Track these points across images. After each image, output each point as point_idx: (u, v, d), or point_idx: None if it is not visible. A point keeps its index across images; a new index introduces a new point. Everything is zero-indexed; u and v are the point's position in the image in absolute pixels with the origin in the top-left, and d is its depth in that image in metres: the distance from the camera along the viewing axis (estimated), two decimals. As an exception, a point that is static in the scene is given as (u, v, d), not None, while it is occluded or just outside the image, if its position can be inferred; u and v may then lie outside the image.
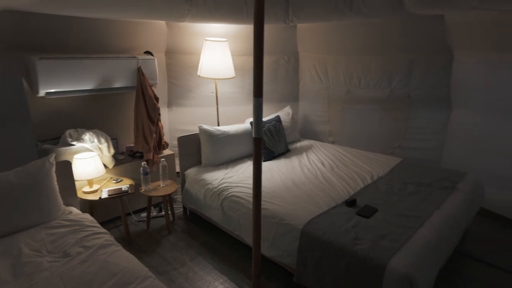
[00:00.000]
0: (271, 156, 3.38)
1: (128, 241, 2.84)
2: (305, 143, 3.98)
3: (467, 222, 2.58)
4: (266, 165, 3.19)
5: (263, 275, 2.36)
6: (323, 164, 3.21)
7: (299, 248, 2.07)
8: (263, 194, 2.51)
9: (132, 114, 3.35)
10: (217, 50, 3.51)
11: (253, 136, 1.47)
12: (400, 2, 2.24)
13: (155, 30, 3.67)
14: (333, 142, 4.30)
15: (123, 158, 3.29)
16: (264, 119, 3.65)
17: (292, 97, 4.54)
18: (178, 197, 3.54)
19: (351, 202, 2.35)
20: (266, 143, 3.38)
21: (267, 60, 4.26)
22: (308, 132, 4.55)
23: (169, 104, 4.05)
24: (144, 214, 3.26)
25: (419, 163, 3.28)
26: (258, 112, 1.46)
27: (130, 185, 2.89)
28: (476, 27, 2.97)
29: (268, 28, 3.99)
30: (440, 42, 3.32)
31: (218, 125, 3.79)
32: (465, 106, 3.46)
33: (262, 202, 2.38)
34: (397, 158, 3.36)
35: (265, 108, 4.27)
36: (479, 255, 2.58)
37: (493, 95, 3.14)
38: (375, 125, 4.01)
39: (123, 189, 2.80)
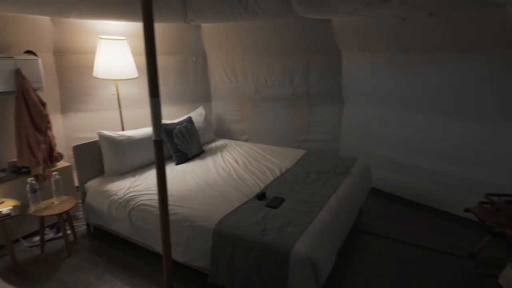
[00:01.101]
0: (185, 159, 3.30)
1: (16, 271, 2.43)
2: (220, 143, 4.00)
3: (361, 202, 2.95)
4: (179, 168, 3.09)
5: (178, 282, 2.29)
6: (237, 162, 3.27)
7: (212, 248, 2.07)
8: (174, 198, 2.43)
9: (12, 124, 2.86)
10: (114, 49, 3.25)
11: (153, 138, 1.40)
12: (290, 6, 2.42)
13: (38, 26, 3.20)
14: (247, 140, 4.42)
15: (4, 176, 2.79)
16: (175, 120, 3.54)
17: (204, 97, 4.51)
18: (80, 213, 3.17)
19: (261, 196, 2.45)
20: (178, 145, 3.28)
21: (174, 60, 4.14)
22: (223, 132, 4.59)
23: (63, 110, 3.60)
24: (37, 238, 2.82)
25: (320, 154, 3.62)
26: (156, 113, 1.39)
27: (13, 206, 2.47)
28: (358, 30, 3.40)
29: (170, 27, 3.87)
30: (330, 44, 3.72)
31: (123, 130, 3.52)
32: (354, 100, 3.96)
33: (173, 207, 2.30)
34: (302, 150, 3.64)
35: (178, 109, 4.15)
36: (372, 229, 2.98)
37: (374, 88, 3.66)
38: (283, 121, 4.27)
39: (3, 212, 2.38)
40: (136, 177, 2.87)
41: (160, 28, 3.56)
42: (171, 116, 3.79)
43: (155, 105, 1.40)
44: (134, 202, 2.48)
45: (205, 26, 4.13)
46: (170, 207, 1.99)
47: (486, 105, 2.86)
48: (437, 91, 3.11)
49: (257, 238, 1.95)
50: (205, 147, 3.78)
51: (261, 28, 3.84)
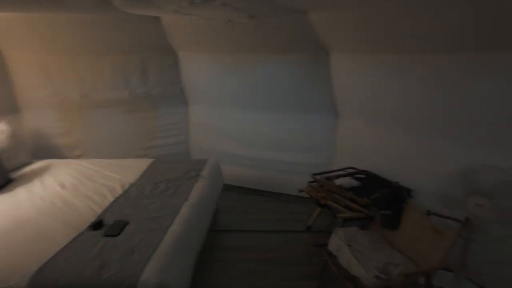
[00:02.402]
0: (-20, 196, 2.41)
1: None
2: (39, 165, 3.15)
3: (215, 202, 2.93)
4: (-31, 211, 2.22)
5: None
6: (63, 187, 2.63)
7: (29, 312, 1.54)
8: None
9: None
10: None
11: None
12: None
13: None
14: (79, 156, 3.70)
15: None
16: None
17: (7, 109, 3.45)
18: None
19: (97, 224, 2.02)
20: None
21: None
22: (46, 150, 3.67)
23: None
24: None
25: (170, 160, 3.41)
26: None
27: None
28: (191, 31, 3.32)
29: None
30: (164, 44, 3.51)
31: None
32: (198, 100, 3.92)
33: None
34: (149, 159, 3.31)
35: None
36: (227, 226, 3.01)
37: (215, 88, 3.71)
38: (123, 129, 3.79)
39: None
40: None
41: None
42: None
43: None
44: None
45: (2, 15, 3.13)
46: None
47: (303, 100, 3.36)
48: (264, 88, 3.43)
49: (93, 281, 1.58)
50: (15, 174, 2.90)
51: (83, 23, 3.21)
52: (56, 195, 2.48)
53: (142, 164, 3.13)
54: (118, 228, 2.00)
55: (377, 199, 2.36)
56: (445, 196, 2.03)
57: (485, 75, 2.01)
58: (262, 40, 3.09)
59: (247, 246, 2.72)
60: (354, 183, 2.70)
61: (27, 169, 3.04)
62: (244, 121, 3.66)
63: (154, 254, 1.75)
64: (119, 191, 2.56)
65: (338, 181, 2.75)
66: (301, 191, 2.88)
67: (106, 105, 3.67)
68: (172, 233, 1.97)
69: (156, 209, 2.26)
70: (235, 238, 2.85)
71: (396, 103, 2.72)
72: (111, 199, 2.43)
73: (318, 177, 2.84)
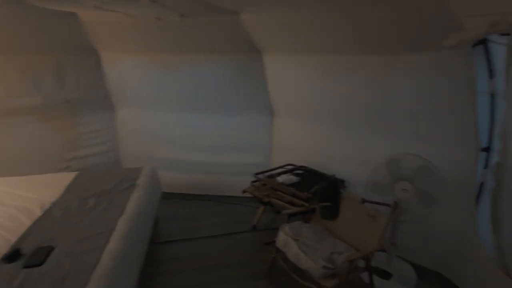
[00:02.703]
0: None
1: None
2: None
3: (154, 212, 2.74)
4: None
5: None
6: (-39, 215, 2.16)
7: None
8: None
9: None
10: None
11: None
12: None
13: None
14: (-20, 176, 3.09)
15: None
16: None
17: None
18: None
19: (11, 256, 1.71)
20: None
21: None
22: None
23: None
24: None
25: (98, 171, 3.08)
26: None
27: None
28: (116, 29, 3.04)
29: None
30: (84, 43, 3.16)
31: None
32: (127, 104, 3.62)
33: None
34: (73, 172, 2.94)
35: None
36: (170, 236, 2.85)
37: (145, 91, 3.47)
38: (37, 140, 3.30)
39: None
40: None
41: None
42: None
43: None
44: None
45: None
46: None
47: (240, 100, 3.37)
48: (200, 90, 3.35)
49: (13, 324, 1.32)
50: None
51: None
52: (-49, 226, 2.03)
53: (64, 179, 2.76)
54: (41, 256, 1.72)
55: (317, 192, 2.49)
56: (374, 184, 2.24)
57: (401, 74, 2.26)
58: (195, 40, 3.00)
59: (192, 255, 2.61)
60: (294, 179, 2.80)
61: None
62: (181, 124, 3.51)
63: (91, 279, 1.55)
64: (38, 213, 2.21)
65: (280, 179, 2.82)
66: (244, 191, 2.87)
67: (13, 114, 3.14)
68: (109, 252, 1.78)
69: (88, 228, 2.01)
70: (179, 248, 2.71)
71: (326, 101, 2.91)
72: (29, 223, 2.08)
73: (260, 176, 2.88)
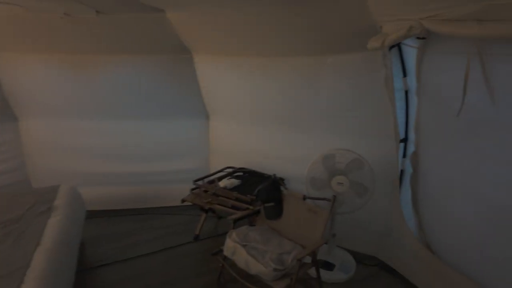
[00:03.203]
0: None
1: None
2: None
3: (79, 236, 2.39)
4: None
5: None
6: None
7: None
8: None
9: None
10: None
11: None
12: None
13: None
14: None
15: None
16: None
17: None
18: None
19: None
20: None
21: None
22: None
23: None
24: None
25: (3, 194, 2.57)
26: None
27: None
28: (14, 25, 2.56)
29: None
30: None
31: None
32: (32, 113, 3.11)
33: None
34: (-35, 200, 2.39)
35: None
36: (100, 260, 2.53)
37: (53, 97, 3.02)
38: None
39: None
40: None
41: None
42: None
43: None
44: None
45: None
46: None
47: (172, 104, 3.17)
48: (126, 94, 3.06)
49: None
50: None
51: None
52: None
53: (-47, 210, 2.22)
54: None
55: (259, 194, 2.49)
56: (313, 180, 2.33)
57: (330, 74, 2.39)
58: (116, 39, 2.71)
59: (133, 276, 2.35)
60: (236, 182, 2.75)
61: None
62: (103, 133, 3.15)
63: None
64: None
65: (221, 183, 2.74)
66: (183, 200, 2.71)
67: None
68: (25, 294, 1.48)
69: (-7, 268, 1.64)
70: (117, 271, 2.41)
71: (260, 102, 2.93)
72: None
73: (199, 183, 2.75)
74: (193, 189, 2.75)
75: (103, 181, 3.23)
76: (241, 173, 2.97)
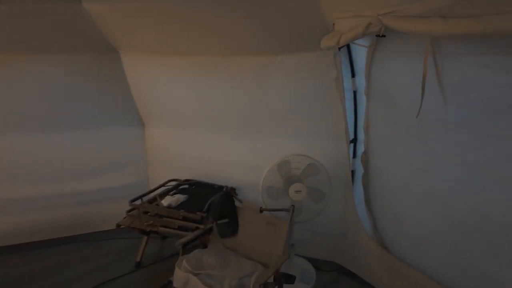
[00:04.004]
0: None
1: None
2: None
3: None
4: None
5: None
6: None
7: None
8: None
9: None
10: None
11: None
12: None
13: None
14: None
15: None
16: None
17: None
18: None
19: None
20: None
21: None
22: None
23: None
24: None
25: None
26: None
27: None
28: None
29: None
30: None
31: None
32: None
33: None
34: None
35: None
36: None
37: None
38: None
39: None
40: None
41: None
42: None
43: None
44: None
45: None
46: None
47: (100, 110, 2.73)
48: (40, 101, 2.55)
49: None
50: None
51: None
52: None
53: None
54: None
55: (210, 209, 2.23)
56: (269, 189, 2.16)
57: (279, 74, 2.24)
58: (17, 35, 2.19)
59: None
60: (182, 198, 2.44)
61: None
62: (18, 150, 2.57)
63: None
64: None
65: (164, 201, 2.40)
66: (118, 225, 2.31)
67: None
68: None
69: None
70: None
71: (202, 106, 2.67)
72: None
73: (137, 203, 2.36)
74: (129, 211, 2.36)
75: (13, 209, 2.63)
76: (186, 186, 2.67)
